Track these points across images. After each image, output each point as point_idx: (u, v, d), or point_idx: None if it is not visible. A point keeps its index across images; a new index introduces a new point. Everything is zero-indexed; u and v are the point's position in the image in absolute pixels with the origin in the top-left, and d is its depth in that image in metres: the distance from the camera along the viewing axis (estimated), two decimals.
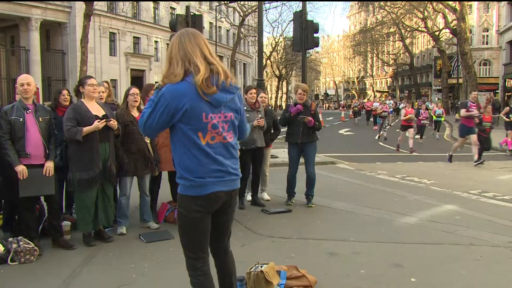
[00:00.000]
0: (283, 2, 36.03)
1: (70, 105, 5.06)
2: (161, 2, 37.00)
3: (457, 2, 25.20)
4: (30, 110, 4.50)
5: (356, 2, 44.56)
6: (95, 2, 18.97)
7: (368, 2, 38.77)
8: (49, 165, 4.54)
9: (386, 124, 19.40)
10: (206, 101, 2.45)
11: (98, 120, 4.63)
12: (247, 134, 2.83)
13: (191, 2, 36.09)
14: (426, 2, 31.64)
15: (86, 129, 4.57)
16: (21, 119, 4.43)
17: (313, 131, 6.52)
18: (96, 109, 4.78)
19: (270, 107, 7.88)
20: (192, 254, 2.65)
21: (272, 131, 6.92)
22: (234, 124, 2.63)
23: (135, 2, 33.93)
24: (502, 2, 36.53)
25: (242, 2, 37.44)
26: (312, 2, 39.15)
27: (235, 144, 2.65)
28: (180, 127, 2.47)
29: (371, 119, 26.68)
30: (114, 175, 4.92)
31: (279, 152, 11.14)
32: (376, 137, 18.76)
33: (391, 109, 26.91)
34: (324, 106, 75.17)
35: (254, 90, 6.49)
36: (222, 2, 38.35)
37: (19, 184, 4.38)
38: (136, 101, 5.36)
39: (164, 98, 2.43)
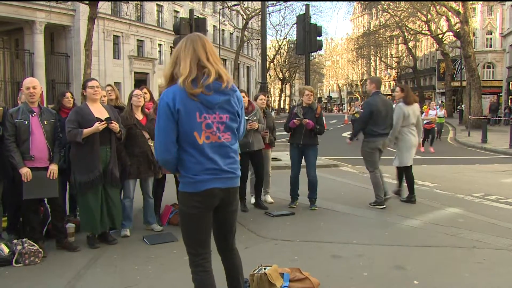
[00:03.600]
0: (286, 5, 36.10)
1: (73, 107, 5.09)
2: (164, 6, 37.11)
3: (460, 5, 25.08)
4: (35, 113, 4.54)
5: (359, 5, 44.48)
6: (99, 6, 19.01)
7: (371, 5, 38.64)
8: (53, 168, 4.57)
9: None
10: (198, 101, 2.52)
11: (99, 122, 4.66)
12: (241, 137, 2.89)
13: (195, 4, 36.30)
14: (430, 5, 31.56)
15: (86, 131, 4.59)
16: (26, 122, 4.47)
17: (314, 134, 6.55)
18: (99, 112, 4.79)
19: (273, 110, 8.10)
20: (192, 250, 2.72)
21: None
22: (231, 126, 2.68)
23: (139, 6, 34.03)
24: (506, 4, 36.43)
25: (245, 6, 37.53)
26: (315, 5, 39.00)
27: (232, 145, 2.71)
28: (178, 127, 2.54)
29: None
30: (117, 178, 4.93)
31: (282, 155, 11.13)
32: None
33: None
34: (334, 109, 74.26)
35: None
36: (226, 5, 38.44)
37: (23, 187, 4.42)
38: (140, 101, 5.39)
39: (162, 103, 2.53)
